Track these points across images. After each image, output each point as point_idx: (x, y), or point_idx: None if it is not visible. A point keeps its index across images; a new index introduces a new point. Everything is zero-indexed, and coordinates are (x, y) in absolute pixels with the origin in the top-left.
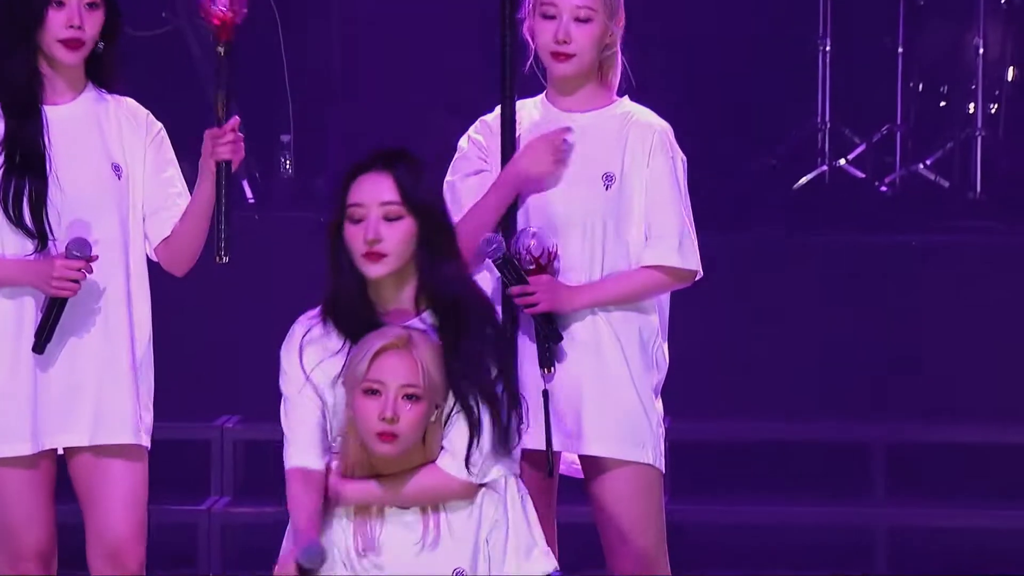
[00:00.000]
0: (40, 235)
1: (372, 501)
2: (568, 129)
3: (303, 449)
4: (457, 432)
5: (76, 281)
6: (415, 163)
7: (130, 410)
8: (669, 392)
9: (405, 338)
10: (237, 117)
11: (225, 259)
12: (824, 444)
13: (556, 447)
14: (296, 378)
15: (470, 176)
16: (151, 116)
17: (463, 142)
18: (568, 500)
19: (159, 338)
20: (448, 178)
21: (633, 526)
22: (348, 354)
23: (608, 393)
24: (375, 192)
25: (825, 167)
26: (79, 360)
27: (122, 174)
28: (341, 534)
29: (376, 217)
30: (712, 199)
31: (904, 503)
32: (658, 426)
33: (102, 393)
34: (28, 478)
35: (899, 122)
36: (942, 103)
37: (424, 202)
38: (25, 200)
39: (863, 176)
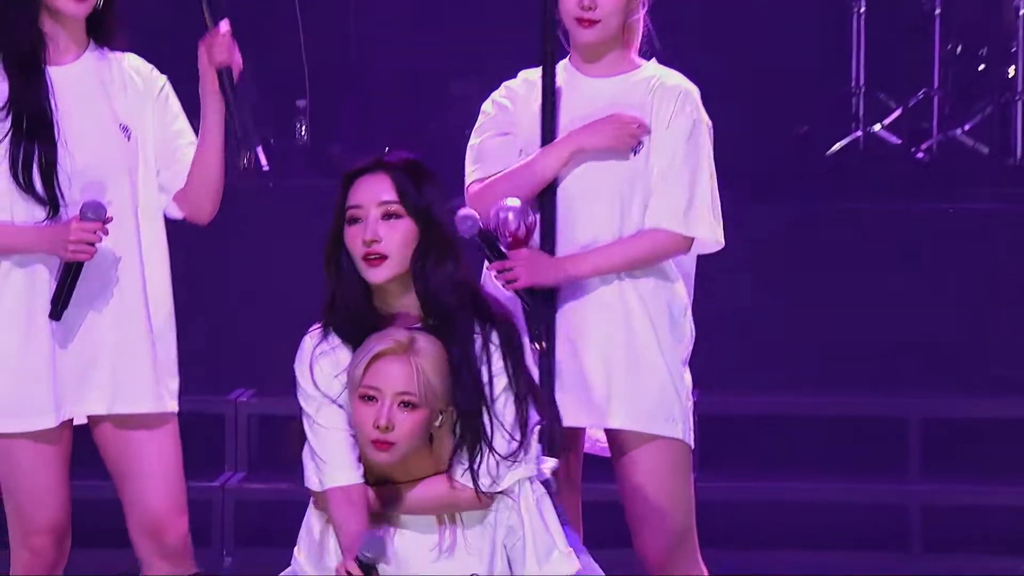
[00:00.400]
0: (52, 202)
1: (376, 509)
2: (642, 123)
3: (337, 467)
4: (464, 443)
5: (92, 244)
6: (416, 166)
7: (149, 377)
8: (695, 364)
9: (405, 343)
10: (227, 20)
11: (250, 163)
12: (857, 419)
13: (581, 423)
14: (313, 395)
15: (495, 137)
16: (155, 70)
17: (487, 106)
18: (593, 478)
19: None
20: (472, 141)
21: (661, 504)
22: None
23: (635, 364)
24: (373, 192)
25: (859, 133)
26: (95, 327)
27: (131, 135)
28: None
29: (375, 217)
30: (741, 167)
31: (940, 479)
32: (687, 399)
33: (119, 360)
34: (44, 451)
35: (936, 86)
36: (981, 66)
37: (424, 205)
38: (35, 166)
39: (899, 142)
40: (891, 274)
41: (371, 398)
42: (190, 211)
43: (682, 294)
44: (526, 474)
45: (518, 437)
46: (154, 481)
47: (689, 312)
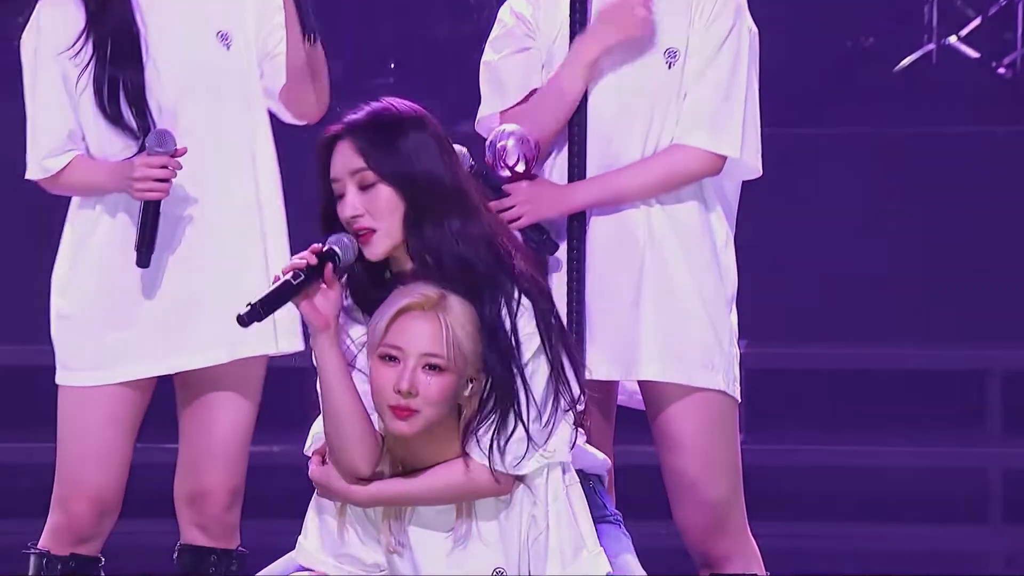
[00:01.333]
0: (144, 133)
1: (386, 502)
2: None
3: None
4: (491, 414)
5: (165, 180)
6: (384, 121)
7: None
8: (744, 312)
9: (435, 298)
10: None
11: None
12: (929, 372)
13: (607, 375)
14: None
15: (515, 54)
16: None
17: (504, 14)
18: (626, 439)
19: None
20: (486, 58)
21: (702, 467)
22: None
23: (667, 304)
24: (344, 163)
25: (932, 45)
26: (191, 273)
27: (231, 42)
28: (372, 532)
29: (352, 190)
30: (797, 85)
31: None
32: (731, 346)
33: (224, 311)
34: (103, 410)
35: None
36: None
37: (399, 166)
38: (122, 94)
39: (977, 56)
40: (965, 206)
41: (392, 358)
42: (296, 111)
43: (722, 224)
44: (556, 459)
45: (549, 409)
46: (212, 447)
47: (731, 246)
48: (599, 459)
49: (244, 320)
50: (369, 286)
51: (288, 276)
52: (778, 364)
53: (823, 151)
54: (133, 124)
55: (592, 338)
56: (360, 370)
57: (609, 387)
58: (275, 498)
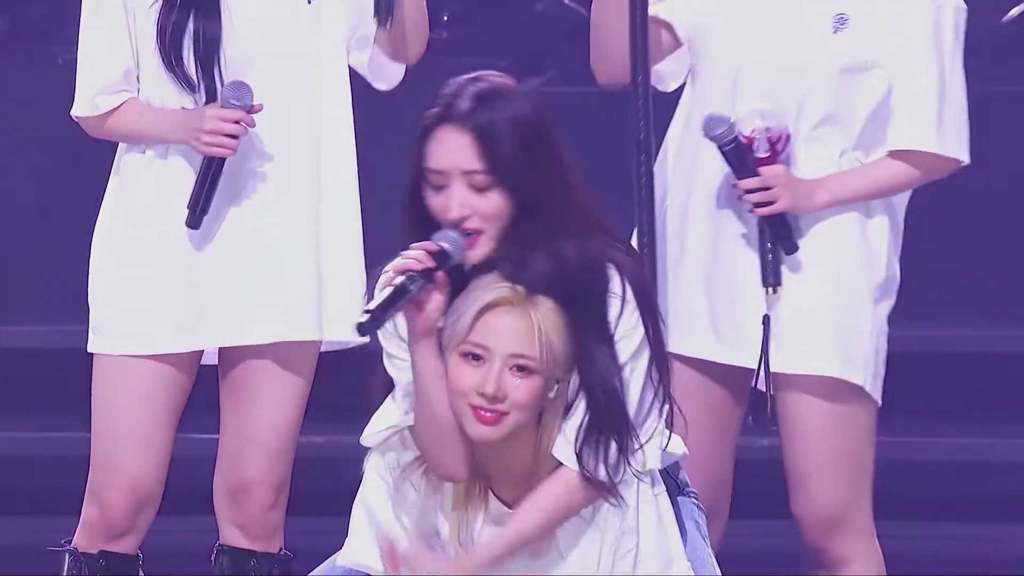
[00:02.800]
0: (208, 89)
1: (501, 559)
2: None
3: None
4: (576, 417)
5: (235, 137)
6: (511, 124)
7: (312, 302)
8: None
9: (522, 292)
10: None
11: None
12: None
13: (739, 362)
14: (394, 333)
15: None
16: None
17: None
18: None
19: None
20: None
21: (824, 462)
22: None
23: (799, 291)
24: (455, 157)
25: None
26: (245, 242)
27: None
28: (428, 531)
29: (462, 188)
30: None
31: None
32: (872, 338)
33: (279, 282)
34: (145, 386)
35: None
36: None
37: (521, 176)
38: (188, 43)
39: None
40: None
41: (476, 357)
42: (391, 51)
43: (878, 205)
44: (649, 465)
45: (647, 411)
46: (256, 438)
47: (887, 228)
48: (678, 449)
49: (366, 328)
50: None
51: (403, 279)
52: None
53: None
54: (194, 78)
55: (721, 326)
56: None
57: (735, 372)
58: (319, 494)
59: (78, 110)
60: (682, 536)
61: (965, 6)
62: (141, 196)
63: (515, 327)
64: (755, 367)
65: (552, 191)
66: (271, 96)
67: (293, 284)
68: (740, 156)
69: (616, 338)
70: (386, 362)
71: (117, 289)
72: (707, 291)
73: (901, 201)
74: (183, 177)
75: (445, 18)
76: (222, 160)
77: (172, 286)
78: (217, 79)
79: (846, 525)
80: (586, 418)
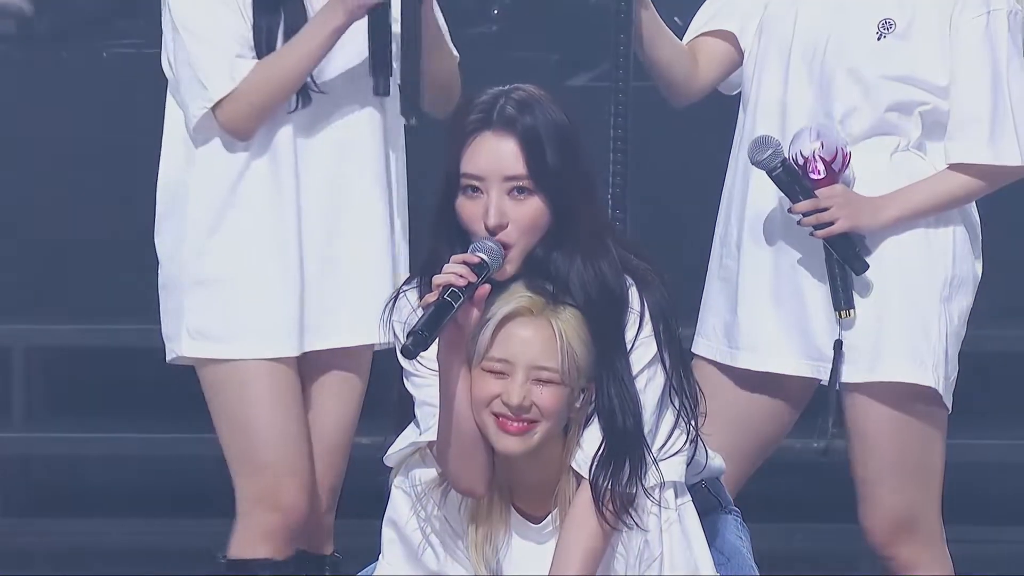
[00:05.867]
0: (302, 88)
1: None
2: None
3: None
4: (593, 427)
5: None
6: (551, 129)
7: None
8: None
9: (542, 301)
10: None
11: None
12: None
13: (799, 372)
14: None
15: None
16: None
17: None
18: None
19: None
20: None
21: (890, 466)
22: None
23: (860, 297)
24: (496, 162)
25: None
26: (337, 239)
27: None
28: (453, 547)
29: (501, 195)
30: None
31: None
32: (942, 339)
33: (363, 284)
34: (285, 386)
35: None
36: None
37: (561, 183)
38: (281, 41)
39: None
40: None
41: (500, 372)
42: (429, 103)
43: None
44: (670, 478)
45: (664, 425)
46: (316, 441)
47: (952, 224)
48: (715, 464)
49: (412, 351)
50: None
51: (446, 295)
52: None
53: None
54: None
55: (778, 332)
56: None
57: (789, 381)
58: (365, 495)
59: (220, 88)
60: (730, 555)
61: (1021, 8)
62: (242, 199)
63: (536, 338)
64: (819, 377)
65: (584, 200)
66: (351, 95)
67: (375, 286)
68: (792, 180)
69: (631, 350)
70: (404, 380)
71: (237, 293)
72: (776, 304)
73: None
74: (282, 166)
75: (495, 12)
76: (386, 15)
77: (288, 288)
78: (309, 78)
79: (912, 531)
80: (603, 429)
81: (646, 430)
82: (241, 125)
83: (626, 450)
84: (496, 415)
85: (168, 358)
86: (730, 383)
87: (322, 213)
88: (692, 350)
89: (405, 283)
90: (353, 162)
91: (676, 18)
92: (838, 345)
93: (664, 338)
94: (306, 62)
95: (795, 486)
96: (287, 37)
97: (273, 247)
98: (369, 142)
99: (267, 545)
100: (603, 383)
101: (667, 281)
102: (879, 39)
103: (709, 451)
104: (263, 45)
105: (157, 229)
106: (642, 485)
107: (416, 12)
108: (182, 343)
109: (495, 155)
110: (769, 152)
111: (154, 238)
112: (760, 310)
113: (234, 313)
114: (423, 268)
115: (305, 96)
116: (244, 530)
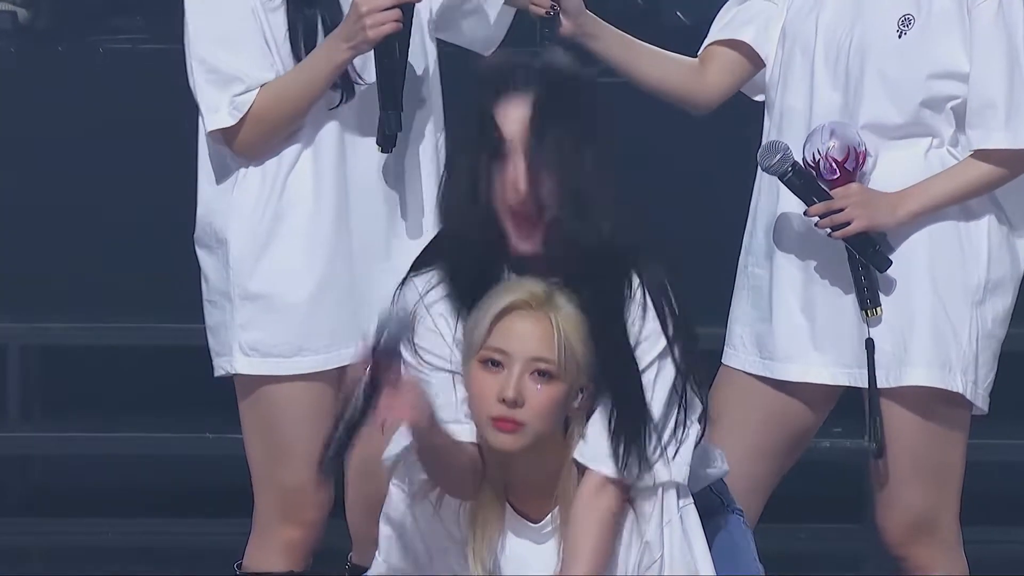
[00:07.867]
0: (344, 81)
1: None
2: None
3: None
4: (599, 418)
5: (391, 8)
6: (566, 75)
7: None
8: None
9: (542, 296)
10: None
11: None
12: None
13: (835, 380)
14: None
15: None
16: None
17: None
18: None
19: None
20: None
21: (908, 469)
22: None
23: (888, 299)
24: (518, 121)
25: None
26: (366, 250)
27: None
28: (447, 545)
29: (520, 154)
30: None
31: None
32: (971, 342)
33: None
34: (317, 402)
35: None
36: None
37: (572, 133)
38: (320, 38)
39: None
40: None
41: (495, 363)
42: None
43: (979, 201)
44: (675, 478)
45: (671, 421)
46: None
47: (987, 225)
48: (720, 470)
49: (330, 470)
50: (478, 283)
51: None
52: None
53: None
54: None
55: (813, 341)
56: (457, 372)
57: (821, 389)
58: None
59: (219, 122)
60: (734, 554)
61: None
62: (289, 218)
63: (534, 331)
64: (856, 385)
65: (601, 170)
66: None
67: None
68: (805, 183)
69: (635, 343)
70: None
71: (288, 308)
72: (809, 312)
73: (1010, 195)
74: (324, 178)
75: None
76: (394, 46)
77: (340, 299)
78: (353, 71)
79: (929, 534)
80: (607, 419)
81: (655, 420)
82: (246, 151)
83: (631, 436)
84: (491, 417)
85: (216, 374)
86: (762, 385)
87: (375, 214)
88: (723, 362)
89: (412, 269)
90: (407, 156)
91: (679, 13)
92: (870, 344)
93: (671, 330)
94: (311, 92)
95: (799, 486)
96: (327, 31)
97: (325, 256)
98: (423, 133)
99: (286, 558)
100: (605, 373)
101: (678, 270)
102: (900, 36)
103: (716, 452)
104: (301, 42)
105: (199, 242)
106: (650, 465)
107: (404, 43)
108: (235, 359)
109: (516, 117)
110: (778, 157)
111: (196, 251)
112: (794, 319)
113: (287, 329)
114: (431, 252)
115: (349, 89)
116: (263, 542)
